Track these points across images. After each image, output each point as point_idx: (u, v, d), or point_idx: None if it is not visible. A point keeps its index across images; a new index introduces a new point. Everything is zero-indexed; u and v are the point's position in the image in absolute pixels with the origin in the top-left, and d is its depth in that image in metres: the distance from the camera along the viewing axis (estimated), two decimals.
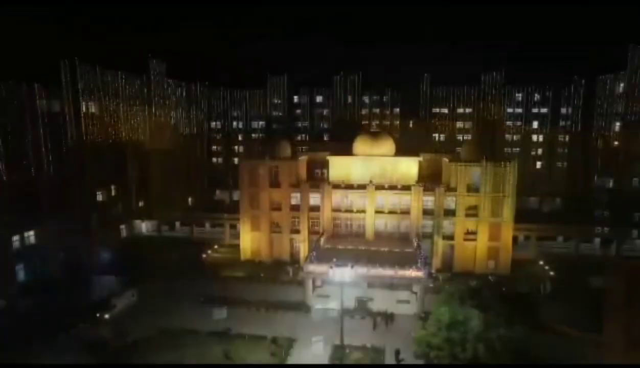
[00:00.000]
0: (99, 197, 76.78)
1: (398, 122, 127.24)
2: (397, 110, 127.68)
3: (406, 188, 69.24)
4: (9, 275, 59.71)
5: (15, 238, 61.54)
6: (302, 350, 46.58)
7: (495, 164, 66.46)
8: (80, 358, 43.79)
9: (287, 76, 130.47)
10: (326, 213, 70.95)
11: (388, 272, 54.19)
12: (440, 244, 68.84)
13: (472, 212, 68.22)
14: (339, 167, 76.24)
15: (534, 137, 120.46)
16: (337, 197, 71.83)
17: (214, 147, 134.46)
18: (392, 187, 70.08)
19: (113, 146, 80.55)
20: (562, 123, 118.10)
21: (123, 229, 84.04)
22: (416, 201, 68.54)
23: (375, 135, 77.83)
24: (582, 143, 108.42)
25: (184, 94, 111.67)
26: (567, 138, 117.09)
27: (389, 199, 70.49)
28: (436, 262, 69.05)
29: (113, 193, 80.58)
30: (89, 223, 73.46)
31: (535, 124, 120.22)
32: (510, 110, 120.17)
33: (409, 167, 74.29)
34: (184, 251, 77.51)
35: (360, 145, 76.62)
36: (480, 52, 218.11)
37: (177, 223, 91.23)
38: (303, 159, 77.77)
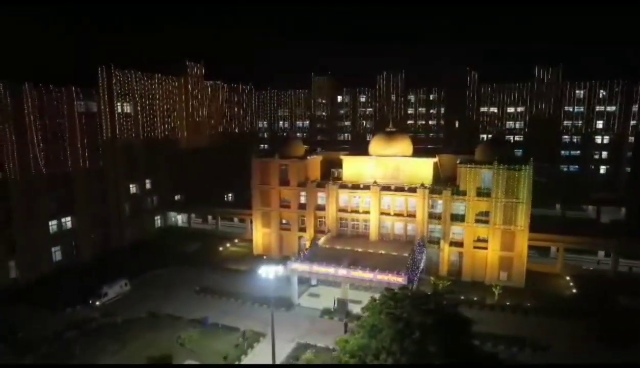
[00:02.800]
0: (133, 189, 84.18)
1: (443, 122, 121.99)
2: (443, 109, 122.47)
3: (412, 190, 66.54)
4: (46, 255, 68.27)
5: (53, 223, 70.05)
6: (267, 345, 47.35)
7: (509, 166, 61.08)
8: (71, 326, 50.77)
9: (331, 76, 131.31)
10: (331, 212, 70.70)
11: (368, 275, 52.89)
12: (446, 250, 65.15)
13: (484, 218, 63.56)
14: (352, 166, 75.40)
15: (598, 139, 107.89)
16: (345, 197, 71.17)
17: (262, 146, 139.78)
18: (399, 189, 67.77)
19: (151, 144, 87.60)
20: (632, 122, 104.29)
21: (157, 220, 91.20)
22: (422, 204, 65.58)
23: (390, 135, 75.52)
24: None
25: (229, 94, 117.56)
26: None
27: (396, 201, 68.30)
28: (442, 269, 65.53)
29: (148, 186, 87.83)
30: (121, 213, 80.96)
31: (599, 124, 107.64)
32: (569, 108, 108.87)
33: (423, 168, 71.11)
34: (205, 243, 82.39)
35: (376, 144, 74.95)
36: (534, 48, 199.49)
37: (210, 217, 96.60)
38: (317, 158, 78.23)
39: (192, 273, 67.73)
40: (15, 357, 45.19)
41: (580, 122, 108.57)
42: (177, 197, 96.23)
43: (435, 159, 71.89)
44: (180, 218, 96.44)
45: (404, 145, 74.02)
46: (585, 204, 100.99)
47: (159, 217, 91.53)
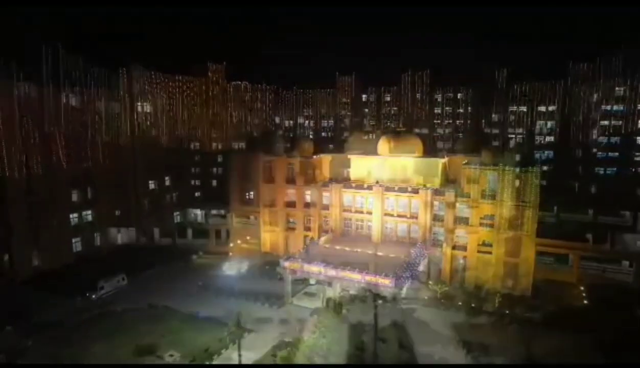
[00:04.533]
0: (152, 186, 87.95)
1: (470, 121, 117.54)
2: (470, 109, 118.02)
3: (416, 191, 64.92)
4: (66, 246, 72.95)
5: (74, 215, 74.67)
6: (250, 341, 47.93)
7: (514, 169, 58.02)
8: (75, 312, 54.18)
9: (355, 75, 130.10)
10: (335, 212, 70.39)
11: (356, 275, 52.00)
12: (448, 254, 62.97)
13: (489, 221, 60.84)
14: (360, 166, 74.85)
15: None
16: (349, 197, 70.64)
17: (287, 145, 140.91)
18: (402, 189, 66.33)
19: (172, 142, 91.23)
20: None
21: (177, 216, 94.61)
22: (424, 205, 63.80)
23: (399, 135, 74.31)
24: None
25: (252, 94, 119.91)
26: None
27: (399, 202, 66.94)
28: (444, 273, 63.43)
29: (167, 183, 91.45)
30: (140, 208, 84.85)
31: None
32: (606, 107, 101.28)
33: (431, 168, 69.39)
34: (217, 239, 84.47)
35: (384, 144, 73.90)
36: (568, 43, 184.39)
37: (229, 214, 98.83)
38: (324, 157, 78.26)
39: (198, 269, 69.78)
40: (20, 339, 48.69)
41: (620, 121, 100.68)
42: (197, 194, 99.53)
43: (444, 160, 69.81)
44: (200, 215, 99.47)
45: (413, 146, 72.48)
46: (623, 210, 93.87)
47: (178, 213, 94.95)
